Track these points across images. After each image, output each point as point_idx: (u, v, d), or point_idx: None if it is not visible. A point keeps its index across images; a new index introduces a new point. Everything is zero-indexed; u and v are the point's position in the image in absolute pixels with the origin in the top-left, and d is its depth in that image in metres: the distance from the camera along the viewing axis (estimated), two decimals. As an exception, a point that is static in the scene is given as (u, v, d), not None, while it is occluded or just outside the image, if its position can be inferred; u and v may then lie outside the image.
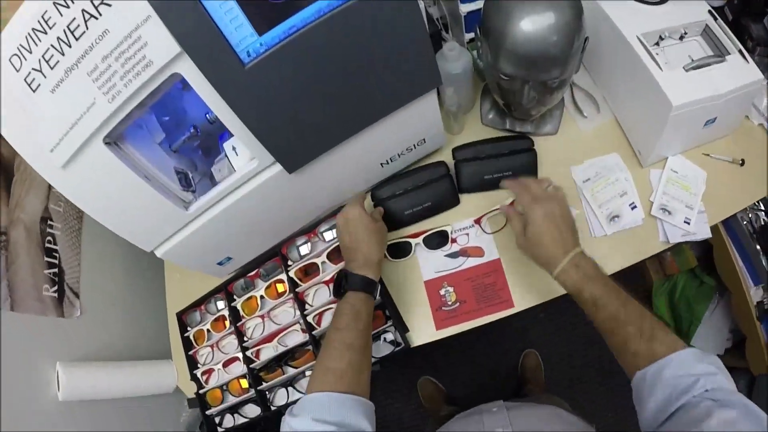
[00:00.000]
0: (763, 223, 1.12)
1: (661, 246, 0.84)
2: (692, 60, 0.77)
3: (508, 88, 0.76)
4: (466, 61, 0.84)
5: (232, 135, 0.67)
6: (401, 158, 0.85)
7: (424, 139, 0.83)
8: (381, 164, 0.83)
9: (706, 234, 0.84)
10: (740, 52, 0.77)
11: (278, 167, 0.70)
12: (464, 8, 0.89)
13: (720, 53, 0.79)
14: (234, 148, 0.71)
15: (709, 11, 0.81)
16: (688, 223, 0.83)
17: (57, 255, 0.91)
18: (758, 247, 1.12)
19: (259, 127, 0.64)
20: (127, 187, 0.67)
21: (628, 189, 0.86)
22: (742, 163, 0.86)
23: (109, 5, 0.53)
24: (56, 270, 0.89)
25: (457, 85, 0.85)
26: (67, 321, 0.87)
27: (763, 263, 1.12)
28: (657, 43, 0.81)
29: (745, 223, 1.14)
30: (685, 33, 0.81)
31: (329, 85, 0.63)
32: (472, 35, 0.92)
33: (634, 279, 1.60)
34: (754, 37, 0.93)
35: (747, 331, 1.21)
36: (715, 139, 0.87)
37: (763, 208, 1.12)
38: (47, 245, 0.89)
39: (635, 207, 0.84)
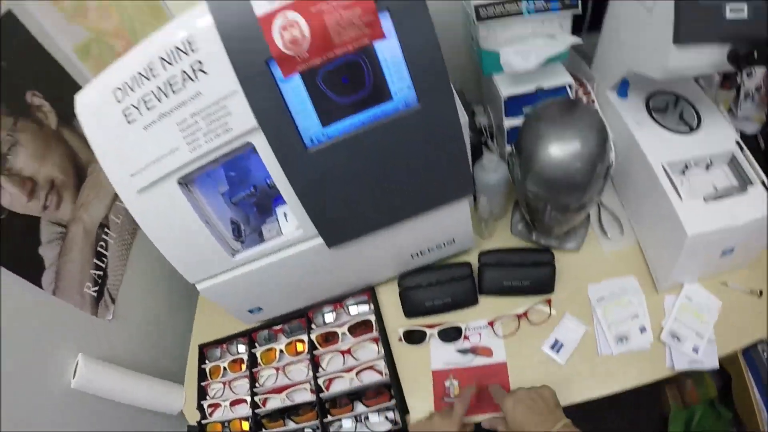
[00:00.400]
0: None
1: (667, 371, 0.84)
2: (715, 190, 0.79)
3: (532, 205, 0.82)
4: (502, 172, 0.91)
5: (285, 202, 0.76)
6: (431, 253, 0.92)
7: (453, 239, 0.90)
8: (411, 255, 0.91)
9: (713, 364, 0.83)
10: (762, 183, 0.78)
11: (320, 240, 0.78)
12: (508, 123, 0.96)
13: (743, 183, 0.80)
14: (285, 214, 0.81)
15: (737, 142, 0.82)
16: (696, 352, 0.82)
17: (105, 260, 1.01)
18: (777, 380, 1.08)
19: (309, 203, 0.73)
20: (187, 224, 0.76)
21: (640, 312, 0.87)
22: (761, 294, 0.85)
23: (206, 73, 0.64)
24: (101, 273, 0.99)
25: (491, 194, 0.91)
26: (98, 320, 0.96)
27: (781, 398, 1.07)
28: (683, 172, 0.84)
29: (765, 355, 1.11)
30: (711, 162, 0.83)
31: (375, 179, 0.72)
32: (512, 148, 1.00)
33: (651, 402, 1.55)
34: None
35: (759, 471, 1.15)
36: (734, 267, 0.87)
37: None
38: (99, 249, 1.00)
39: (645, 330, 0.86)
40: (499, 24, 0.88)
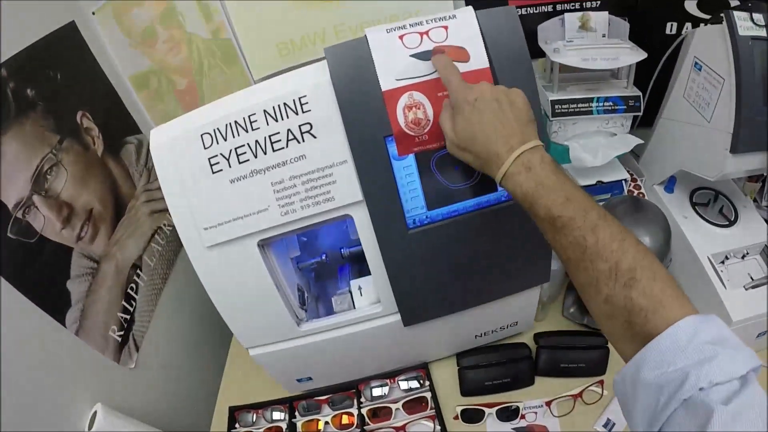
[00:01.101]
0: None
1: None
2: (752, 279, 0.83)
3: None
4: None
5: (352, 271, 0.76)
6: (493, 334, 0.90)
7: (516, 322, 0.89)
8: (475, 336, 0.89)
9: None
10: None
11: (396, 317, 0.74)
12: None
13: None
14: (360, 288, 0.76)
15: None
16: None
17: (134, 304, 0.93)
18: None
19: (398, 281, 0.69)
20: (259, 288, 0.70)
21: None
22: None
23: (315, 137, 0.60)
24: (128, 317, 0.91)
25: (553, 280, 0.90)
26: (120, 368, 0.87)
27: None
28: (722, 262, 0.87)
29: None
30: (747, 253, 0.88)
31: (465, 264, 0.70)
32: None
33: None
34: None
35: None
36: (759, 348, 0.88)
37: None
38: (129, 291, 0.92)
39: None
40: (571, 121, 0.92)
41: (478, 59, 0.59)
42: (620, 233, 0.44)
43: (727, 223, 0.91)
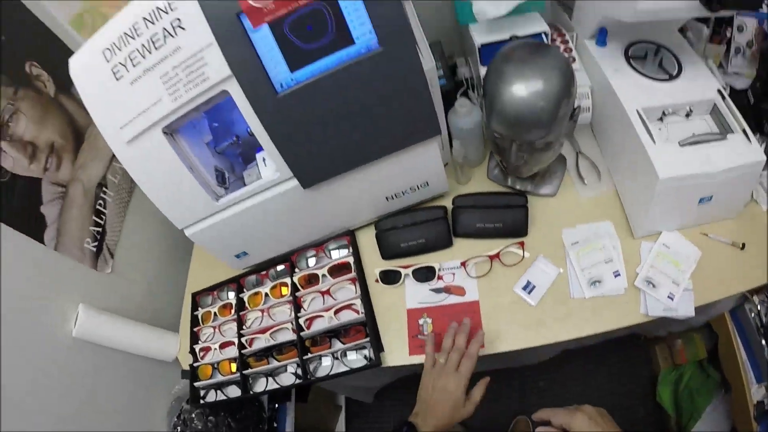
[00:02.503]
0: (771, 316, 1.07)
1: (641, 317, 0.85)
2: (693, 135, 0.79)
3: (500, 146, 0.84)
4: (475, 118, 0.93)
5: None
6: (405, 196, 0.95)
7: (427, 182, 0.93)
8: (386, 198, 0.94)
9: (689, 312, 0.84)
10: (744, 131, 0.78)
11: (295, 182, 0.82)
12: (483, 70, 0.96)
13: (724, 131, 0.80)
14: (264, 159, 0.86)
15: (718, 90, 0.83)
16: (672, 299, 0.83)
17: (104, 218, 1.06)
18: (764, 342, 1.08)
19: (283, 145, 0.77)
20: (173, 171, 0.81)
21: (614, 257, 0.89)
22: (743, 247, 0.85)
23: (183, 29, 0.69)
24: (100, 230, 1.04)
25: (464, 139, 0.94)
26: (98, 273, 1.01)
27: (768, 359, 1.08)
28: (660, 119, 0.84)
29: (753, 315, 1.10)
30: (691, 111, 0.84)
31: (343, 120, 0.75)
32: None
33: (640, 363, 1.57)
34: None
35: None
36: (717, 219, 0.88)
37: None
38: (97, 207, 1.05)
39: (618, 275, 0.87)
40: None
41: None
42: None
43: (667, 77, 0.86)
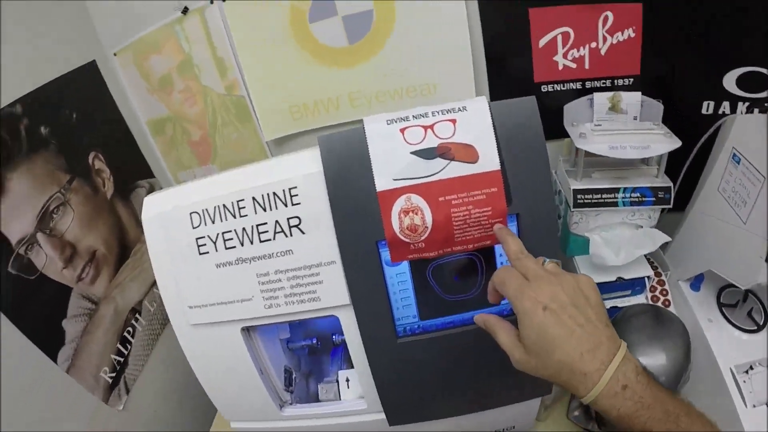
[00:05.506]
0: None
1: None
2: None
3: None
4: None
5: (344, 356, 0.70)
6: None
7: (513, 426, 0.82)
8: None
9: None
10: None
11: (381, 416, 0.69)
12: None
13: None
14: (348, 380, 0.72)
15: None
16: None
17: (129, 347, 0.92)
18: None
19: (384, 382, 0.64)
20: (239, 369, 0.68)
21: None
22: None
23: (303, 233, 0.57)
24: (122, 360, 0.90)
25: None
26: (107, 408, 0.86)
27: None
28: (746, 372, 0.78)
29: None
30: None
31: (457, 375, 0.65)
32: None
33: None
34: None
35: None
36: None
37: None
38: (125, 334, 0.91)
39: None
40: (593, 212, 0.86)
41: (488, 161, 0.53)
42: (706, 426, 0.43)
43: (755, 328, 0.81)
